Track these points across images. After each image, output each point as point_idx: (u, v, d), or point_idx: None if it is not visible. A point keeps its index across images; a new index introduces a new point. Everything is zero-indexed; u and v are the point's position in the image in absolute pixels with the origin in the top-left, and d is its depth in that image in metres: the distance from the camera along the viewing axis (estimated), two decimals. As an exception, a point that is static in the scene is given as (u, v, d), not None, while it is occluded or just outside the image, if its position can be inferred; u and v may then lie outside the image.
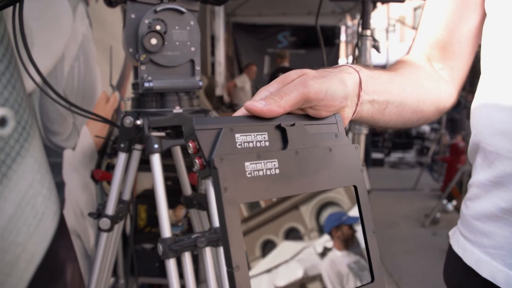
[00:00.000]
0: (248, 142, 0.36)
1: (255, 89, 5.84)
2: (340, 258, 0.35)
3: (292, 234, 0.33)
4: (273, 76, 4.93)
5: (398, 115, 0.53)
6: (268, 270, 0.31)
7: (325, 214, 0.37)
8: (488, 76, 0.55)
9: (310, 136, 0.40)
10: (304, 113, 0.41)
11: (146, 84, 0.99)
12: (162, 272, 1.85)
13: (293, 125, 0.39)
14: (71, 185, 1.38)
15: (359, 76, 0.46)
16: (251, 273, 0.30)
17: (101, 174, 1.63)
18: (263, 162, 0.35)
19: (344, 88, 0.43)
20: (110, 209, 1.13)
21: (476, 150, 0.56)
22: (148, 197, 1.94)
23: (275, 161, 0.35)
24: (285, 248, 0.32)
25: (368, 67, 0.50)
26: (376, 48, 1.34)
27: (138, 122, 1.01)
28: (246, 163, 0.34)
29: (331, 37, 6.24)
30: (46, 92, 1.10)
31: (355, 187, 0.40)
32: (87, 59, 1.50)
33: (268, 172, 0.35)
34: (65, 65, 1.33)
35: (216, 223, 1.03)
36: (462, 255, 0.56)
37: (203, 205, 1.22)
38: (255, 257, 0.31)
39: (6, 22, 1.04)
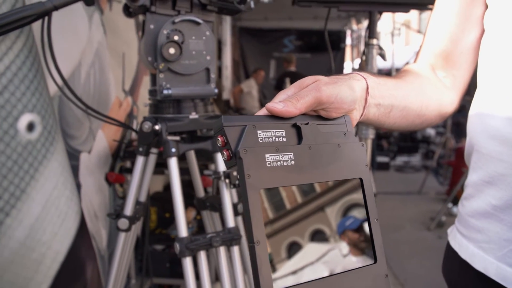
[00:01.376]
0: (268, 138, 0.42)
1: (261, 94, 5.90)
2: (355, 264, 0.39)
3: (318, 236, 0.38)
4: (280, 81, 4.99)
5: (402, 118, 0.58)
6: (294, 272, 0.36)
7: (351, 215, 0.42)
8: (484, 87, 0.61)
9: (322, 134, 0.46)
10: (317, 114, 0.48)
11: (165, 92, 1.06)
12: (172, 272, 1.90)
13: (307, 124, 0.45)
14: (86, 187, 1.44)
15: (367, 83, 0.52)
16: (277, 274, 0.35)
17: (114, 176, 1.69)
18: (281, 155, 0.41)
19: (352, 93, 0.49)
20: (128, 210, 1.19)
21: (471, 153, 0.62)
22: (158, 199, 2.00)
23: (291, 154, 0.42)
24: (310, 250, 0.37)
25: (375, 74, 0.56)
26: (382, 56, 1.39)
27: (157, 127, 1.07)
28: (267, 155, 0.40)
29: (336, 41, 6.29)
30: (72, 100, 1.16)
31: (360, 179, 0.46)
32: (101, 65, 1.56)
33: (285, 163, 0.41)
34: (82, 72, 1.40)
35: (230, 224, 1.08)
36: (458, 250, 0.62)
37: (216, 206, 1.28)
38: (280, 259, 0.35)
39: (34, 34, 1.11)
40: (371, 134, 1.43)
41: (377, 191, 4.05)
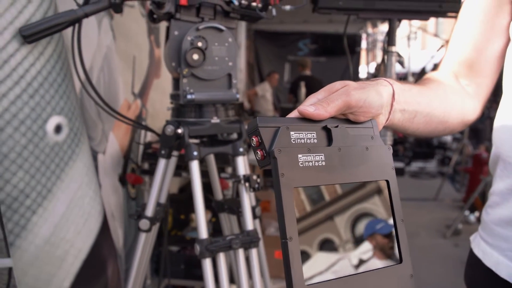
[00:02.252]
0: (301, 139, 0.45)
1: (275, 97, 5.92)
2: (378, 266, 0.40)
3: (327, 245, 0.39)
4: (294, 84, 5.00)
5: (425, 124, 0.60)
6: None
7: (361, 225, 0.42)
8: (510, 96, 0.62)
9: (351, 136, 0.48)
10: (345, 118, 0.50)
11: (189, 97, 1.09)
12: (187, 274, 1.93)
13: (336, 126, 0.48)
14: (104, 187, 1.48)
15: (393, 89, 0.54)
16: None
17: (133, 177, 1.74)
18: (313, 155, 0.44)
19: (380, 98, 0.51)
20: (150, 211, 1.23)
21: (497, 162, 0.63)
22: (174, 201, 2.04)
23: (322, 155, 0.44)
24: (319, 259, 0.37)
25: (400, 81, 0.58)
26: (401, 63, 1.41)
27: (179, 130, 1.11)
28: (299, 155, 0.43)
29: (352, 44, 6.28)
30: (100, 104, 1.21)
31: (387, 181, 0.49)
32: (110, 69, 1.60)
33: (316, 164, 0.44)
34: (93, 76, 1.43)
35: (249, 226, 1.11)
36: (482, 258, 0.63)
37: (234, 209, 1.31)
38: (289, 268, 0.37)
39: (64, 39, 1.17)
40: (389, 140, 1.44)
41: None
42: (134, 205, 1.79)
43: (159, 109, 2.14)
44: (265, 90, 5.31)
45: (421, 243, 3.38)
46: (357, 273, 0.43)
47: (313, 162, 0.43)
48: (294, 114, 0.47)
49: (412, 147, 6.60)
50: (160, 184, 1.22)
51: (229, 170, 1.71)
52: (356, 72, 6.43)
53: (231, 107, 1.23)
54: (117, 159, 1.65)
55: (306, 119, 0.46)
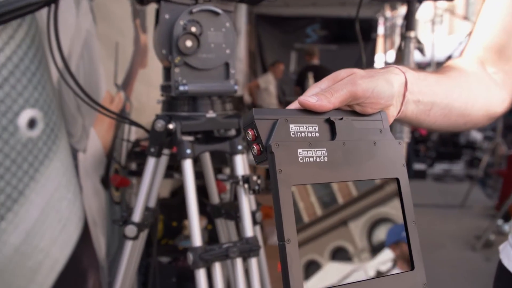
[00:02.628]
0: (301, 132, 0.46)
1: (280, 90, 5.94)
2: None
3: (340, 254, 0.39)
4: (301, 75, 5.02)
5: (443, 117, 0.61)
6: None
7: (379, 232, 0.42)
8: None
9: (357, 130, 0.50)
10: (351, 110, 0.51)
11: (181, 88, 1.12)
12: (179, 288, 1.96)
13: (341, 119, 0.49)
14: (86, 190, 1.50)
15: (405, 77, 0.55)
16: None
17: (119, 179, 1.76)
18: (314, 150, 0.45)
19: (390, 87, 0.52)
20: (137, 216, 1.25)
21: None
22: (165, 206, 2.06)
23: (324, 150, 0.46)
24: (331, 270, 0.38)
25: (415, 68, 0.59)
26: (421, 50, 1.43)
27: (170, 126, 1.13)
28: (299, 150, 0.44)
29: (367, 30, 6.28)
30: (81, 96, 1.23)
31: (397, 179, 0.50)
32: (90, 57, 1.61)
33: (318, 159, 0.45)
34: (71, 64, 1.44)
35: (248, 233, 1.13)
36: None
37: (232, 214, 1.33)
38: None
39: (39, 22, 1.18)
40: (406, 136, 1.46)
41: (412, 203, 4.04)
42: (118, 210, 1.81)
43: (145, 103, 2.15)
44: (268, 82, 5.33)
45: (446, 256, 3.38)
46: (363, 279, 0.44)
47: (315, 158, 0.45)
48: (294, 105, 0.48)
49: (436, 146, 6.60)
50: (149, 186, 1.24)
51: (227, 170, 1.73)
52: (371, 61, 6.44)
53: (228, 100, 1.25)
54: (99, 158, 1.66)
55: (307, 111, 0.47)
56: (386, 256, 0.47)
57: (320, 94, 0.48)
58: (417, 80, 0.57)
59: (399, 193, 0.50)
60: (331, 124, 0.48)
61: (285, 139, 0.45)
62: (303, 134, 0.46)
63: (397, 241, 0.48)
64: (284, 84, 6.24)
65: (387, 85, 0.52)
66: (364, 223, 0.47)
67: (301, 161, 0.44)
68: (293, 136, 0.45)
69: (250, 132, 0.45)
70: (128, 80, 2.02)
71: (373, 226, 0.47)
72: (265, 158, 0.44)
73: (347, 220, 0.47)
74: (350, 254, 0.45)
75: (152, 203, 1.31)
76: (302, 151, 0.44)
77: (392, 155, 0.50)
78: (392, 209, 0.49)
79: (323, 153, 0.46)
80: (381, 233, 0.48)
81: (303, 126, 0.46)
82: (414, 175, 5.55)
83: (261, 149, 0.45)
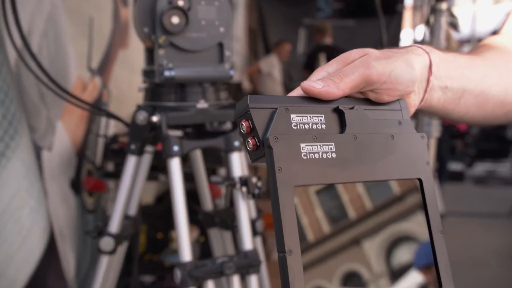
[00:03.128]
0: (304, 124, 0.47)
1: (286, 75, 5.95)
2: None
3: (352, 280, 0.39)
4: (311, 57, 5.03)
5: (477, 106, 0.61)
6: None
7: (399, 253, 0.42)
8: None
9: (371, 121, 0.50)
10: (365, 97, 0.52)
11: (167, 73, 1.14)
12: (166, 313, 1.98)
13: (352, 108, 0.49)
14: (52, 195, 1.51)
15: (430, 58, 0.55)
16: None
17: (93, 183, 1.78)
18: (319, 145, 0.46)
19: (410, 71, 0.52)
20: (115, 226, 1.27)
21: None
22: (149, 214, 2.07)
23: (332, 145, 0.46)
24: None
25: (442, 49, 0.60)
26: (454, 25, 1.44)
27: (154, 118, 1.16)
28: (302, 145, 0.45)
29: (391, 2, 6.27)
30: (44, 82, 1.25)
31: (419, 180, 0.50)
32: (57, 36, 1.61)
33: (324, 156, 0.46)
34: (32, 43, 1.43)
35: (247, 246, 1.15)
36: None
37: (228, 223, 1.35)
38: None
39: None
40: (435, 130, 1.48)
41: (446, 210, 4.05)
42: (92, 219, 1.82)
43: (127, 91, 2.16)
44: (272, 66, 5.34)
45: (490, 275, 3.38)
46: None
47: (320, 154, 0.46)
48: (296, 92, 0.50)
49: (476, 142, 6.58)
50: (128, 190, 1.26)
51: (222, 171, 1.75)
52: (395, 39, 6.41)
53: (223, 88, 1.27)
54: (68, 157, 1.68)
55: (312, 99, 0.48)
56: (414, 280, 0.47)
57: (327, 79, 0.49)
58: (445, 62, 0.57)
59: (422, 197, 0.50)
60: (340, 114, 0.49)
61: (285, 131, 0.45)
62: (307, 126, 0.47)
63: (429, 264, 0.47)
64: (291, 68, 6.24)
65: (407, 68, 0.53)
66: (382, 242, 0.47)
67: (305, 157, 0.45)
68: (295, 128, 0.46)
69: (244, 124, 0.46)
70: (106, 64, 2.02)
71: (392, 246, 0.47)
72: (262, 154, 0.45)
73: (361, 238, 0.47)
74: (364, 280, 0.45)
75: (132, 211, 1.33)
76: (306, 145, 0.45)
77: (413, 151, 0.51)
78: (416, 224, 0.49)
79: (331, 148, 0.46)
80: (402, 255, 0.48)
81: (307, 117, 0.47)
82: (449, 177, 5.54)
83: (257, 144, 0.46)
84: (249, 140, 0.46)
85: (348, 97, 0.51)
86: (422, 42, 1.89)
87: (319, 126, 0.48)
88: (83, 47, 1.84)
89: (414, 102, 0.56)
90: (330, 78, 0.49)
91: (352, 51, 0.53)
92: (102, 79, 1.98)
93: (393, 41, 6.17)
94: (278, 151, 0.44)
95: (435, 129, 1.48)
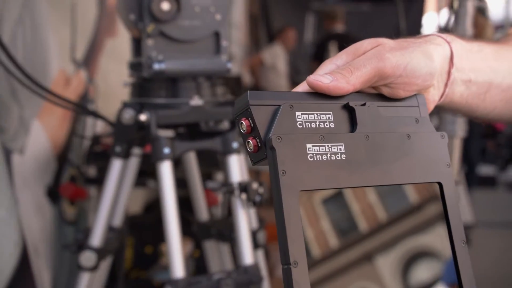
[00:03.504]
0: (310, 122, 0.48)
1: (292, 67, 5.95)
2: None
3: None
4: (321, 47, 5.03)
5: (506, 102, 0.62)
6: None
7: (418, 271, 0.42)
8: None
9: (384, 119, 0.51)
10: (378, 92, 0.53)
11: (156, 66, 1.15)
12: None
13: (363, 105, 0.50)
14: (23, 205, 1.51)
15: (451, 49, 0.56)
16: None
17: (72, 190, 1.78)
18: (328, 145, 0.47)
19: (429, 63, 0.53)
20: (97, 239, 1.28)
21: None
22: (136, 225, 2.08)
23: (341, 145, 0.47)
24: None
25: (465, 38, 0.61)
26: (482, 10, 1.45)
27: (142, 117, 1.17)
28: (308, 145, 0.46)
29: (412, -18, 6.26)
30: (17, 77, 1.26)
31: (439, 184, 0.51)
32: (34, 22, 1.60)
33: (333, 157, 0.46)
34: (4, 31, 1.43)
35: (247, 260, 1.17)
36: None
37: (225, 235, 1.36)
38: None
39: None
40: (460, 129, 1.49)
41: (476, 220, 4.04)
42: (71, 232, 1.82)
43: (116, 85, 2.13)
44: (276, 56, 5.33)
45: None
46: None
47: (329, 155, 0.47)
48: (302, 87, 0.51)
49: (511, 142, 6.56)
50: (113, 198, 1.27)
51: (219, 176, 1.76)
52: (417, 25, 6.39)
53: (220, 82, 1.28)
54: (45, 161, 1.68)
55: (319, 95, 0.49)
56: None
57: (336, 73, 0.49)
58: (468, 53, 0.58)
59: (442, 203, 0.51)
60: (350, 111, 0.50)
61: (290, 131, 0.46)
62: (313, 125, 0.48)
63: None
64: (297, 59, 6.25)
65: (425, 60, 0.53)
66: (398, 258, 0.48)
67: (311, 159, 0.46)
68: (301, 127, 0.47)
69: (244, 122, 0.47)
70: (92, 54, 2.02)
71: (409, 263, 0.47)
72: (264, 156, 0.46)
73: (373, 254, 0.47)
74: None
75: (117, 222, 1.34)
76: (313, 146, 0.46)
77: (432, 152, 0.52)
78: (437, 238, 0.50)
79: (340, 149, 0.47)
80: (421, 273, 0.48)
81: (313, 115, 0.48)
82: (479, 182, 5.52)
83: (259, 144, 0.46)
84: (250, 141, 0.47)
85: (359, 92, 0.51)
86: (446, 29, 1.90)
87: (327, 125, 0.49)
88: (66, 36, 1.84)
89: (433, 97, 0.57)
90: (339, 72, 0.50)
91: (363, 41, 0.54)
92: (87, 72, 1.99)
93: (414, 28, 6.15)
94: (282, 152, 0.45)
95: (460, 128, 1.48)
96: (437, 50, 0.56)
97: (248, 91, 0.47)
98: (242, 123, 0.47)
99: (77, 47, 1.91)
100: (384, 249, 0.47)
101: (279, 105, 0.47)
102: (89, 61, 2.00)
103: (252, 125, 0.47)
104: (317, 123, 0.48)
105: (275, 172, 0.44)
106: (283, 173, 0.44)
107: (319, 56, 5.03)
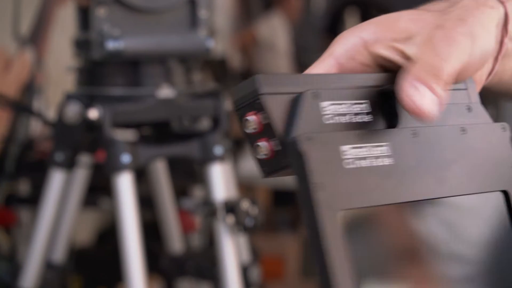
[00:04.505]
0: (341, 115, 0.46)
1: (296, 44, 5.95)
2: None
3: None
4: (335, 17, 5.05)
5: None
6: None
7: None
8: None
9: None
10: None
11: (111, 44, 1.15)
12: None
13: None
14: None
15: (506, 11, 0.55)
16: None
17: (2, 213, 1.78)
18: (368, 147, 0.45)
19: (488, 37, 0.53)
20: (29, 280, 1.28)
21: None
22: (85, 260, 2.08)
23: (385, 145, 0.46)
24: None
25: None
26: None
27: (92, 114, 1.16)
28: (343, 147, 0.43)
29: None
30: None
31: (505, 193, 0.50)
32: None
33: (376, 163, 0.45)
34: None
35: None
36: None
37: (205, 272, 1.35)
38: None
39: None
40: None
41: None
42: (5, 269, 1.81)
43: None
44: (274, 30, 5.34)
45: None
46: None
47: (371, 160, 0.45)
48: (323, 65, 0.49)
49: None
50: (52, 224, 1.27)
51: (197, 192, 1.76)
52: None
53: (198, 67, 1.28)
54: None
55: (348, 76, 0.48)
56: None
57: (427, 82, 0.47)
58: None
59: (508, 214, 0.50)
60: (388, 99, 0.49)
61: (317, 128, 0.44)
62: (345, 118, 0.46)
63: None
64: (304, 33, 6.26)
65: (485, 34, 0.53)
66: None
67: (348, 166, 0.43)
68: (329, 122, 0.45)
69: (251, 119, 0.44)
70: (39, 29, 2.03)
71: None
72: (285, 164, 0.44)
73: None
74: None
75: (58, 255, 1.34)
76: (350, 149, 0.44)
77: (491, 150, 0.52)
78: None
79: (384, 150, 0.46)
80: None
81: (345, 104, 0.46)
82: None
83: (277, 149, 0.44)
84: (261, 144, 0.44)
85: (390, 72, 0.50)
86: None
87: (363, 119, 0.47)
88: (6, 7, 1.85)
89: (480, 77, 0.56)
90: (425, 81, 0.47)
91: (401, 15, 0.53)
92: (36, 53, 1.98)
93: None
94: (314, 158, 0.42)
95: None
96: (492, 16, 0.55)
97: (257, 75, 0.44)
98: (247, 119, 0.44)
99: (22, 21, 1.88)
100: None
101: (301, 93, 0.45)
102: (36, 37, 2.01)
103: (265, 122, 0.44)
104: (350, 116, 0.46)
105: (305, 187, 0.41)
106: (319, 187, 0.41)
107: (333, 29, 5.04)
